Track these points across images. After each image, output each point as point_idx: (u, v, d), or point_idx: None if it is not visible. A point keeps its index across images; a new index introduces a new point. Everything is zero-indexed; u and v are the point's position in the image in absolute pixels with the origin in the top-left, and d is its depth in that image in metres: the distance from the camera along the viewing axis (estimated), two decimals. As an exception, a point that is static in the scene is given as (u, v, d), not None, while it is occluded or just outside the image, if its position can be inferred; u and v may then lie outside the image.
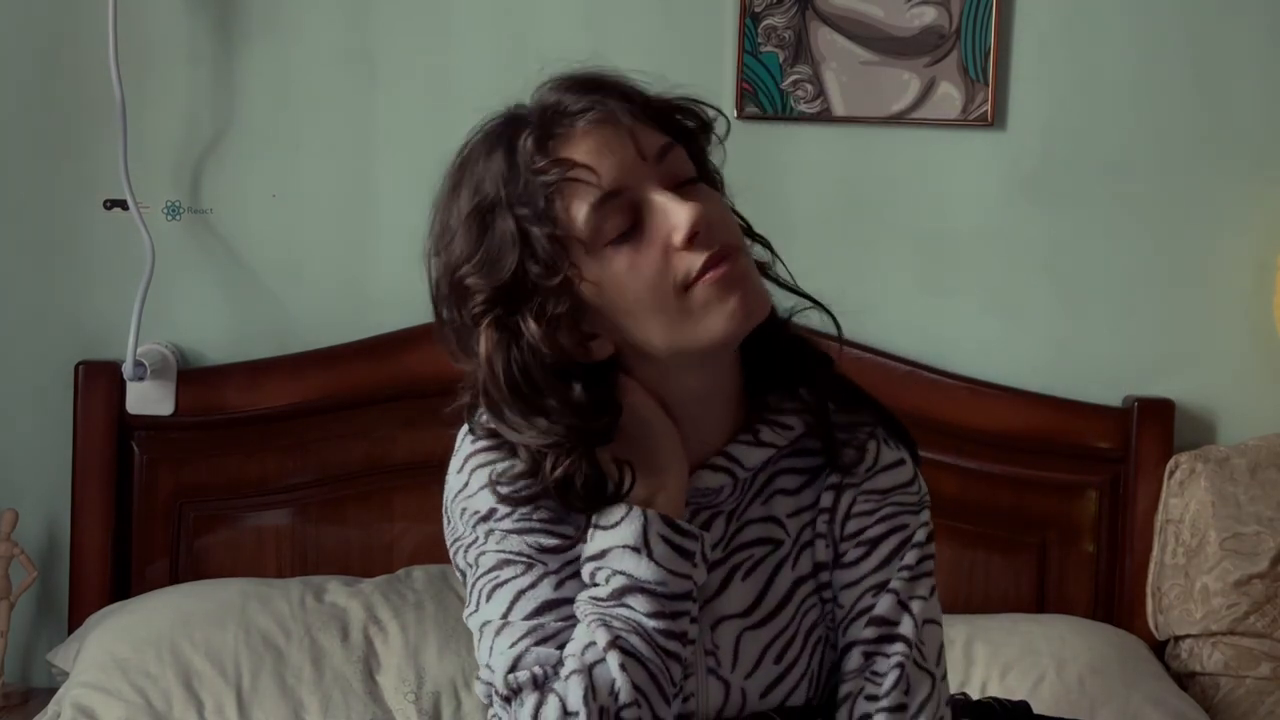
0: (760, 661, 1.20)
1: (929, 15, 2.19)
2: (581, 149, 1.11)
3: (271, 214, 2.22)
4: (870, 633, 1.20)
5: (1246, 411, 2.23)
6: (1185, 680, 2.10)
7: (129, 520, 2.16)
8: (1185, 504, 2.13)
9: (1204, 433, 2.23)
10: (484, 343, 1.12)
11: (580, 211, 1.10)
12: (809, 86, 2.19)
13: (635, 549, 1.12)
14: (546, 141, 1.12)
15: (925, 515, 1.26)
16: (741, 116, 2.20)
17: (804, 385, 1.23)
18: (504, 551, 1.16)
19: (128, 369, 2.10)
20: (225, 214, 2.21)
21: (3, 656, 2.09)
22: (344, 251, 2.22)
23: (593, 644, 1.11)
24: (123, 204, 2.15)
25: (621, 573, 1.12)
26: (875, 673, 1.19)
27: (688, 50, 2.22)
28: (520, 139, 1.13)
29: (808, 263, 2.27)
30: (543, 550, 1.16)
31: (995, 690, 1.92)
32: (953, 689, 1.92)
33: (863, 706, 1.19)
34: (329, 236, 2.22)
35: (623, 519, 1.13)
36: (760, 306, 1.14)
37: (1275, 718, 2.00)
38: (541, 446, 1.12)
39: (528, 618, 1.15)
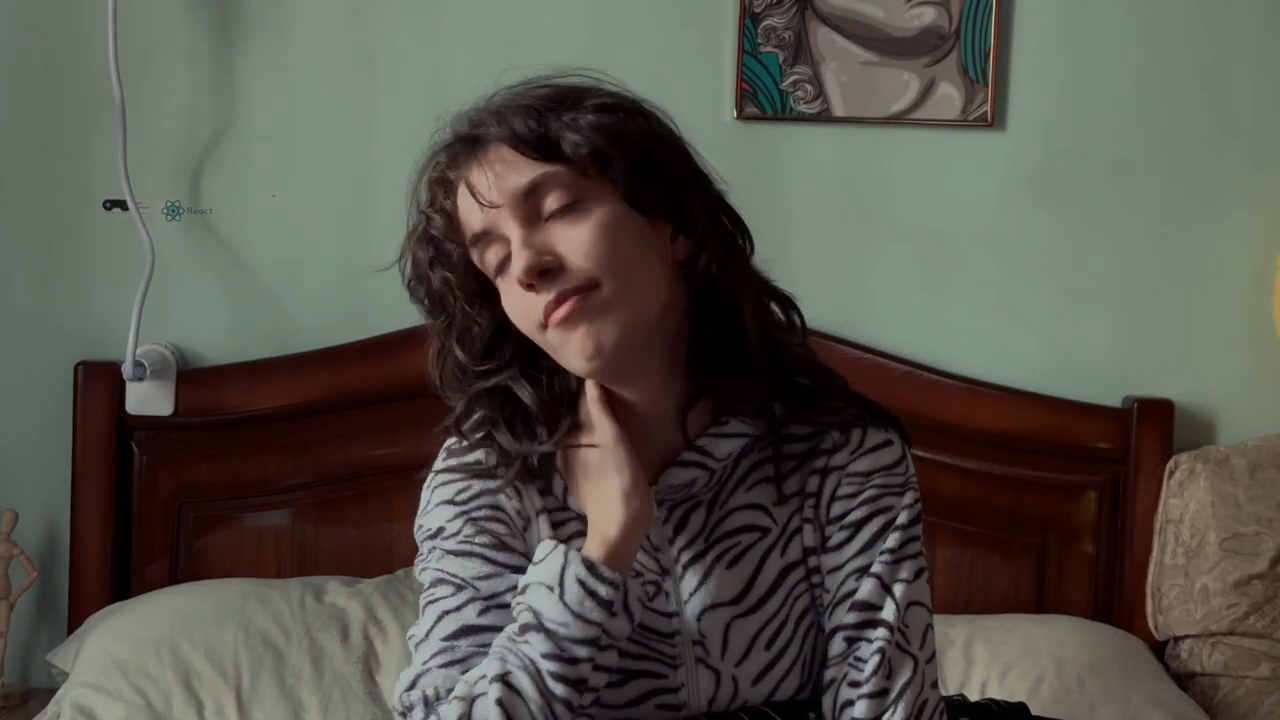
0: (750, 649, 1.20)
1: (929, 15, 2.19)
2: (460, 199, 1.18)
3: (271, 214, 2.21)
4: (853, 618, 1.20)
5: (1246, 411, 2.23)
6: (1185, 680, 2.10)
7: (129, 520, 2.16)
8: (1185, 504, 2.13)
9: (1204, 433, 2.23)
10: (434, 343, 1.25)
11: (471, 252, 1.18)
12: (809, 87, 2.19)
13: (549, 587, 1.12)
14: (438, 190, 1.21)
15: (910, 497, 1.27)
16: (741, 117, 2.20)
17: (784, 376, 1.24)
18: (441, 571, 1.21)
19: (127, 369, 2.10)
20: (225, 214, 2.21)
21: (3, 657, 2.09)
22: (344, 251, 2.22)
23: (484, 676, 1.11)
24: (123, 204, 2.15)
25: (532, 609, 1.12)
26: (858, 658, 1.19)
27: (687, 50, 2.22)
28: (422, 184, 1.23)
29: (808, 263, 2.30)
30: (477, 577, 1.19)
31: (995, 691, 1.92)
32: (953, 689, 1.93)
33: (845, 693, 1.19)
34: (329, 236, 2.22)
35: (547, 555, 1.14)
36: (609, 342, 1.12)
37: (1275, 718, 2.00)
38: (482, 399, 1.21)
39: (445, 639, 1.17)
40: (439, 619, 1.18)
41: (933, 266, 2.24)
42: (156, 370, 2.13)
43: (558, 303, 1.12)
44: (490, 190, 1.14)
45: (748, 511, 1.22)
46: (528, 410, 1.20)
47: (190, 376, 2.17)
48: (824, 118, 2.20)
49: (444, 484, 1.25)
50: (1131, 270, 2.24)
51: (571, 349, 1.13)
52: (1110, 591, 2.20)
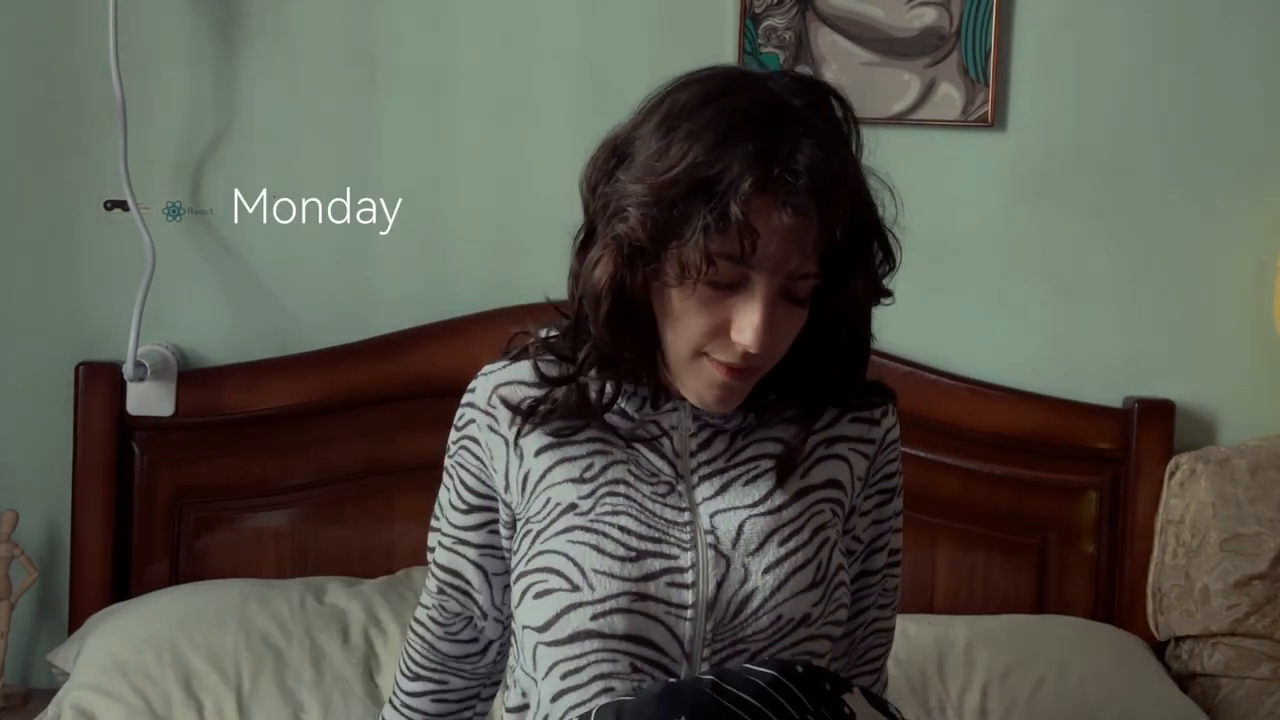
0: (764, 544, 1.27)
1: (929, 16, 2.19)
2: (764, 224, 1.16)
3: (271, 214, 2.21)
4: (884, 564, 1.41)
5: (1246, 412, 2.23)
6: (1185, 681, 2.10)
7: (129, 521, 2.16)
8: (1185, 505, 2.13)
9: (1204, 433, 2.24)
10: (599, 260, 1.23)
11: (717, 245, 1.16)
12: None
13: None
14: (757, 193, 1.15)
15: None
16: (742, 117, 2.20)
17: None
18: (439, 497, 1.41)
19: (128, 370, 2.10)
20: (225, 214, 2.21)
21: (3, 657, 2.09)
22: (344, 251, 2.22)
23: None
24: (123, 205, 2.15)
25: None
26: (886, 589, 1.42)
27: (687, 51, 2.21)
28: (746, 153, 1.15)
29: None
30: (449, 504, 1.38)
31: (996, 693, 1.92)
32: (953, 692, 1.94)
33: (874, 614, 1.42)
34: (329, 236, 2.22)
35: None
36: (728, 407, 1.26)
37: (1275, 718, 2.00)
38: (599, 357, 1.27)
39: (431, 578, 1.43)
40: (432, 553, 1.42)
41: (933, 266, 2.24)
42: (157, 370, 2.13)
43: (737, 369, 1.21)
44: (786, 251, 1.17)
45: (768, 443, 1.32)
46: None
47: (191, 377, 2.17)
48: (824, 118, 2.20)
49: (489, 373, 1.36)
50: (1131, 270, 2.24)
51: (705, 392, 1.24)
52: (1111, 592, 2.20)
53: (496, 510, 1.36)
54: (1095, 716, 1.88)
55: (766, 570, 1.26)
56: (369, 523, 2.17)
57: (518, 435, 1.32)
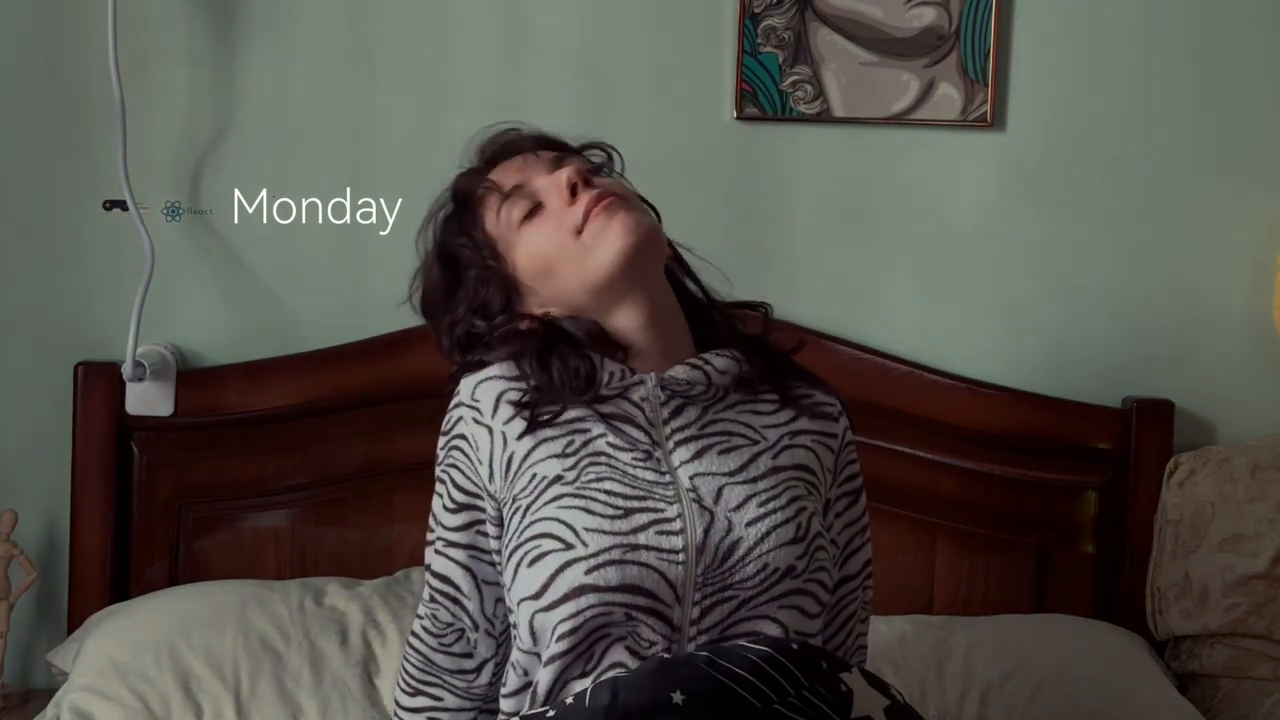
0: (745, 503, 1.34)
1: (929, 16, 2.19)
2: (496, 172, 1.49)
3: (271, 214, 2.21)
4: (861, 568, 1.49)
5: (1246, 412, 2.23)
6: (1185, 681, 2.10)
7: (129, 521, 2.16)
8: (1185, 504, 2.13)
9: (1204, 433, 2.23)
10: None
11: (490, 213, 1.46)
12: (809, 87, 2.19)
13: None
14: (475, 174, 1.52)
15: None
16: (741, 117, 2.20)
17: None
18: (433, 504, 1.47)
19: (127, 370, 2.10)
20: (225, 214, 2.21)
21: (2, 657, 2.09)
22: (344, 251, 2.22)
23: None
24: (122, 205, 2.15)
25: None
26: (865, 602, 1.50)
27: (687, 51, 2.22)
28: (468, 175, 1.52)
29: (808, 263, 2.30)
30: (443, 507, 1.44)
31: (996, 694, 1.91)
32: (952, 696, 1.94)
33: (857, 629, 1.50)
34: (329, 236, 2.22)
35: None
36: (645, 226, 1.40)
37: (1276, 718, 1.99)
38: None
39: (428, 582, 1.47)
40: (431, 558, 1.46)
41: (932, 266, 2.24)
42: (156, 371, 2.13)
43: (597, 199, 1.39)
44: (526, 163, 1.47)
45: (737, 425, 1.41)
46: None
47: (190, 377, 2.17)
48: (824, 118, 2.20)
49: (470, 374, 1.46)
50: (1131, 270, 2.24)
51: (613, 230, 1.38)
52: (1110, 592, 2.20)
53: (484, 509, 1.40)
54: (1095, 717, 1.88)
55: (749, 524, 1.32)
56: (368, 523, 2.17)
57: (503, 422, 1.38)
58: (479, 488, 1.40)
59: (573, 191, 1.40)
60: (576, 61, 2.22)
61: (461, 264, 1.47)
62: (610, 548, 1.28)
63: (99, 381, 2.14)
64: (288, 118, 2.21)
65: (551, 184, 1.42)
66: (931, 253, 2.24)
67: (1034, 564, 2.19)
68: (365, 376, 2.17)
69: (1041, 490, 2.19)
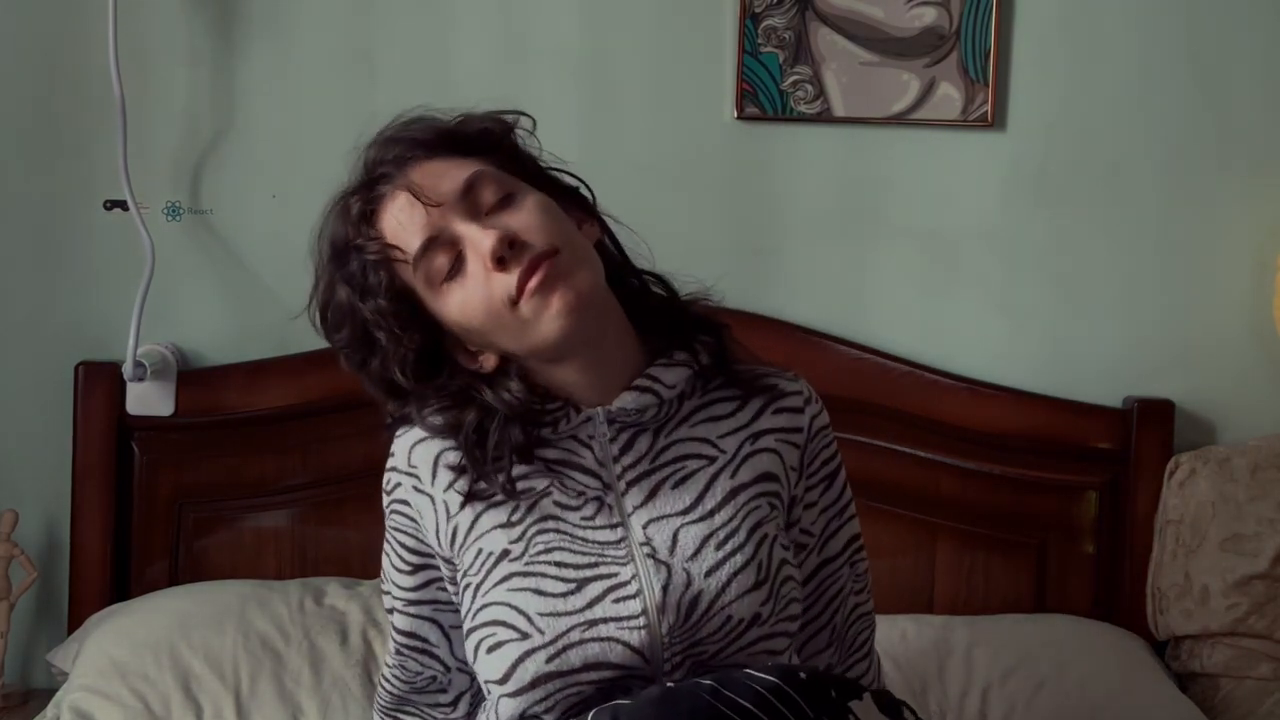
0: (700, 549, 1.27)
1: (929, 16, 2.19)
2: (389, 220, 1.26)
3: (271, 214, 2.21)
4: (844, 547, 1.42)
5: (1246, 411, 2.23)
6: (1185, 680, 2.10)
7: (129, 521, 2.16)
8: (1185, 504, 2.13)
9: (1204, 433, 2.23)
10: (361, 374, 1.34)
11: (406, 272, 1.26)
12: (809, 87, 2.19)
13: None
14: (361, 221, 1.28)
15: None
16: (741, 117, 2.20)
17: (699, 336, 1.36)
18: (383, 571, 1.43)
19: (128, 369, 2.10)
20: (225, 214, 2.21)
21: (2, 657, 2.09)
22: (344, 252, 2.22)
23: None
24: (123, 204, 2.15)
25: None
26: (857, 575, 1.44)
27: (687, 50, 2.22)
28: (346, 219, 1.29)
29: (808, 263, 2.30)
30: (393, 568, 1.40)
31: (996, 694, 1.92)
32: (953, 694, 1.94)
33: (852, 600, 1.44)
34: (329, 237, 2.21)
35: None
36: (585, 289, 1.23)
37: (1276, 718, 1.99)
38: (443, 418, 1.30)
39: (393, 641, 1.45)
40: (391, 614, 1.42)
41: (932, 266, 2.24)
42: (157, 370, 2.13)
43: (530, 270, 1.21)
44: (430, 194, 1.24)
45: (692, 443, 1.32)
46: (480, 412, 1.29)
47: (190, 377, 2.17)
48: (824, 118, 2.20)
49: (403, 435, 1.38)
50: (1131, 270, 2.24)
51: (552, 309, 1.22)
52: (1110, 592, 2.20)
53: (438, 567, 1.36)
54: (1095, 717, 1.88)
55: (708, 574, 1.26)
56: (368, 523, 2.15)
57: (443, 490, 1.31)
58: (430, 550, 1.35)
59: (499, 262, 1.22)
60: (576, 61, 2.22)
61: (370, 326, 1.29)
62: (567, 630, 1.23)
63: (99, 381, 2.14)
64: (288, 118, 2.21)
65: (473, 241, 1.23)
66: (931, 253, 2.23)
67: (1034, 564, 2.19)
68: (365, 376, 2.17)
69: (1041, 490, 2.19)
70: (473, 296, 1.24)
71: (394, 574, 1.39)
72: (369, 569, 2.13)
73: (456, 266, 1.24)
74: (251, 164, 2.21)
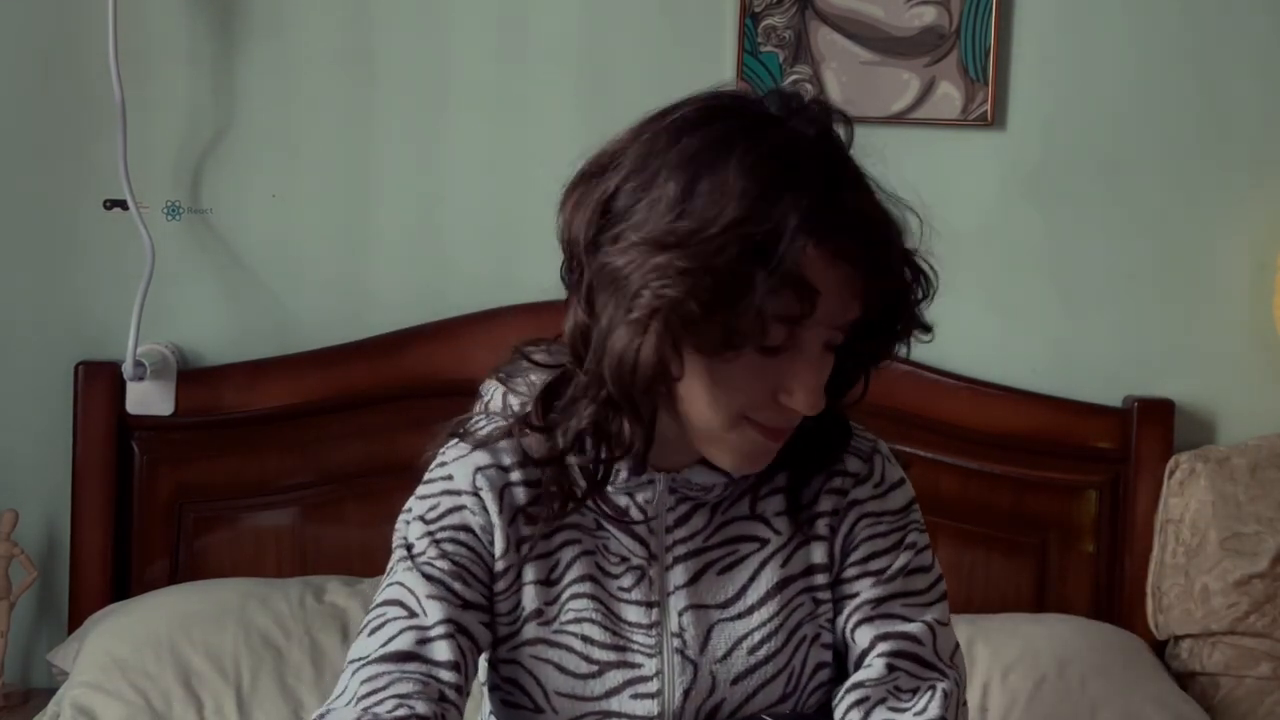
0: (732, 651, 1.21)
1: (929, 15, 2.19)
2: (829, 274, 1.07)
3: (271, 214, 2.21)
4: (889, 646, 1.21)
5: (1246, 411, 2.23)
6: (1185, 680, 2.10)
7: (129, 520, 2.16)
8: (1185, 504, 2.13)
9: (1204, 433, 2.23)
10: (640, 332, 1.07)
11: (778, 307, 1.06)
12: (809, 86, 2.19)
13: None
14: (810, 244, 1.06)
15: (924, 536, 1.31)
16: (741, 116, 2.20)
17: None
18: (402, 586, 1.20)
19: (128, 369, 2.10)
20: (225, 214, 2.21)
21: (3, 657, 2.09)
22: (344, 251, 2.22)
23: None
24: (123, 204, 2.15)
25: None
26: (898, 688, 1.20)
27: (687, 50, 2.22)
28: (797, 207, 1.07)
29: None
30: (429, 596, 1.17)
31: (997, 692, 1.92)
32: (953, 691, 1.92)
33: (883, 713, 1.19)
34: (329, 236, 2.22)
35: None
36: (762, 466, 1.16)
37: (1275, 718, 2.00)
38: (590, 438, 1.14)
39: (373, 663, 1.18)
40: (385, 643, 1.15)
41: (932, 266, 2.23)
42: (157, 370, 2.13)
43: (780, 433, 1.13)
44: (843, 302, 1.10)
45: (749, 522, 1.23)
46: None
47: (190, 376, 2.17)
48: (824, 117, 2.20)
49: (421, 497, 1.24)
50: (1131, 270, 2.24)
51: (749, 463, 1.14)
52: (1110, 591, 2.20)
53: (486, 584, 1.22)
54: (1095, 716, 1.88)
55: (735, 681, 1.20)
56: (369, 522, 2.17)
57: (506, 524, 1.20)
58: (486, 578, 1.21)
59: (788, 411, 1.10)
60: (576, 61, 2.22)
61: (731, 280, 1.05)
62: (581, 716, 1.19)
63: (99, 381, 2.14)
64: (288, 117, 2.21)
65: (803, 378, 1.09)
66: (931, 253, 2.23)
67: (1034, 564, 2.19)
68: (365, 376, 2.17)
69: (1041, 490, 2.19)
70: (744, 381, 1.09)
71: (456, 585, 1.19)
72: (369, 568, 2.13)
73: (774, 350, 1.08)
74: (251, 164, 2.21)
